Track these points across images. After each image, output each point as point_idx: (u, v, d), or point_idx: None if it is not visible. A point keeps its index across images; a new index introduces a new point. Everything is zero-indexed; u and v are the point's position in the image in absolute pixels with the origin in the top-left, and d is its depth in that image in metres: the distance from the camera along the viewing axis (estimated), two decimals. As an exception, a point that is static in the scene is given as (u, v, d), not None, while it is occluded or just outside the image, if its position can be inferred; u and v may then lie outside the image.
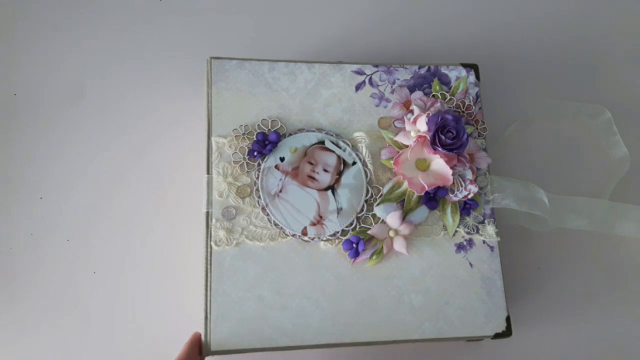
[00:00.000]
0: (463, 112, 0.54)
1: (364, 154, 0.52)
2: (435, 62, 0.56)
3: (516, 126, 0.62)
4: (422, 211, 0.51)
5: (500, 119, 0.62)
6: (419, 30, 0.67)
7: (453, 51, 0.65)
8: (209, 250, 0.48)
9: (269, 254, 0.48)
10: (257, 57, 0.54)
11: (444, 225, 0.51)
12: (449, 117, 0.50)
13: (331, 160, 0.51)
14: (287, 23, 0.65)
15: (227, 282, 0.47)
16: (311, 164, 0.51)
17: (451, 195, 0.51)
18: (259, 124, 0.51)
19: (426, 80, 0.55)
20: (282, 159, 0.51)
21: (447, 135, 0.50)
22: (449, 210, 0.51)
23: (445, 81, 0.55)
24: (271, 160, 0.50)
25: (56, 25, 0.62)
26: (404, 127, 0.53)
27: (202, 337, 0.46)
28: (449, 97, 0.55)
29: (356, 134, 0.52)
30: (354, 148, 0.52)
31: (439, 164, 0.50)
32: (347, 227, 0.50)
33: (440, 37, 0.67)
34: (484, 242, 0.52)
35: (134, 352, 0.53)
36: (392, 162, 0.51)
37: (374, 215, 0.50)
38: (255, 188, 0.50)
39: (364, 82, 0.54)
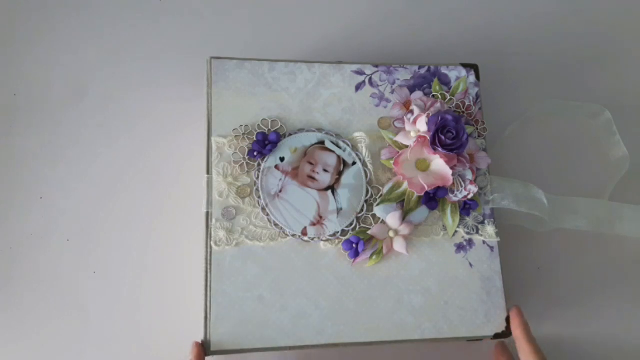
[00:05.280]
0: (463, 112, 0.54)
1: (364, 154, 0.52)
2: (435, 62, 0.56)
3: (516, 126, 0.62)
4: (422, 211, 0.51)
5: (500, 119, 0.62)
6: (419, 30, 0.67)
7: (453, 51, 0.65)
8: (209, 250, 0.48)
9: (269, 254, 0.48)
10: (257, 57, 0.54)
11: (443, 226, 0.51)
12: (449, 117, 0.50)
13: (331, 160, 0.51)
14: (287, 23, 0.65)
15: (227, 282, 0.47)
16: (311, 164, 0.51)
17: (451, 195, 0.51)
18: (259, 124, 0.51)
19: (426, 81, 0.55)
20: (282, 159, 0.51)
21: (447, 135, 0.50)
22: (448, 211, 0.51)
23: (445, 81, 0.55)
24: (271, 160, 0.50)
25: (56, 25, 0.62)
26: (404, 127, 0.53)
27: (202, 337, 0.46)
28: (449, 98, 0.55)
29: (356, 134, 0.52)
30: (354, 148, 0.52)
31: (439, 164, 0.50)
32: (347, 227, 0.50)
33: (440, 37, 0.67)
34: (483, 242, 0.52)
35: (133, 352, 0.53)
36: (392, 162, 0.51)
37: (373, 216, 0.50)
38: (255, 188, 0.50)
39: (364, 82, 0.54)
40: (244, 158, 0.50)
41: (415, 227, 0.51)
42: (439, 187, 0.51)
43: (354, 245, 0.49)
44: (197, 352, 0.45)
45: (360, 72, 0.54)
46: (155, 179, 0.58)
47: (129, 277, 0.55)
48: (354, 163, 0.51)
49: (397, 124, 0.53)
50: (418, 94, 0.54)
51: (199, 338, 0.46)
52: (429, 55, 0.65)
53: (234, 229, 0.48)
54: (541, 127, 0.64)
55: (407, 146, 0.52)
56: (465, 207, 0.52)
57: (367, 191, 0.51)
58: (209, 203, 0.49)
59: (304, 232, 0.49)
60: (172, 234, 0.56)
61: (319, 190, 0.50)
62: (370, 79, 0.54)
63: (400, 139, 0.52)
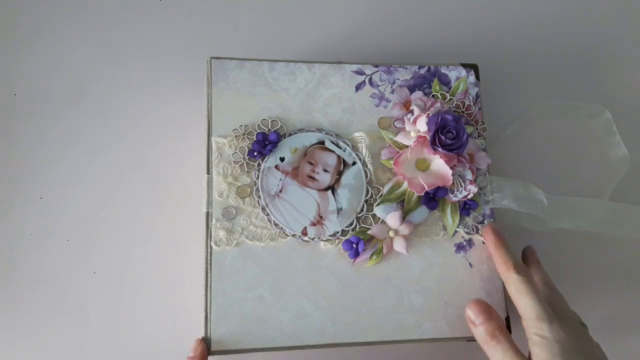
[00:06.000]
0: (463, 112, 0.54)
1: (364, 154, 0.52)
2: (435, 62, 0.56)
3: (516, 126, 0.62)
4: (422, 211, 0.51)
5: (500, 119, 0.62)
6: (419, 30, 0.67)
7: (453, 51, 0.65)
8: (209, 250, 0.48)
9: (269, 254, 0.48)
10: (257, 57, 0.54)
11: (443, 226, 0.51)
12: (449, 117, 0.50)
13: (331, 160, 0.51)
14: (287, 23, 0.65)
15: (227, 282, 0.47)
16: (311, 164, 0.51)
17: (451, 195, 0.51)
18: (259, 124, 0.51)
19: (426, 81, 0.55)
20: (282, 159, 0.51)
21: (447, 135, 0.50)
22: (448, 211, 0.51)
23: (445, 81, 0.55)
24: (271, 160, 0.50)
25: (56, 25, 0.62)
26: (404, 127, 0.53)
27: (202, 337, 0.46)
28: (448, 97, 0.55)
29: (356, 134, 0.52)
30: (354, 148, 0.52)
31: (439, 164, 0.50)
32: (347, 227, 0.50)
33: (440, 37, 0.67)
34: (483, 242, 0.52)
35: (133, 352, 0.53)
36: (392, 162, 0.51)
37: (373, 216, 0.51)
38: (255, 188, 0.50)
39: (364, 82, 0.54)
40: (244, 158, 0.50)
41: (415, 227, 0.51)
42: (438, 187, 0.51)
43: (354, 245, 0.49)
44: (202, 349, 0.45)
45: (360, 72, 0.54)
46: (155, 178, 0.58)
47: (129, 277, 0.55)
48: (354, 163, 0.51)
49: (397, 124, 0.53)
50: (418, 94, 0.54)
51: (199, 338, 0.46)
52: (429, 55, 0.65)
53: (234, 229, 0.48)
54: (541, 127, 0.64)
55: (407, 146, 0.52)
56: (465, 207, 0.52)
57: (367, 191, 0.51)
58: (209, 203, 0.49)
59: (304, 232, 0.49)
60: (172, 234, 0.56)
61: (319, 190, 0.50)
62: (370, 79, 0.54)
63: (400, 139, 0.52)
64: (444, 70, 0.56)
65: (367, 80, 0.54)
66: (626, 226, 0.57)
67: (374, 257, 0.49)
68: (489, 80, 0.61)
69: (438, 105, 0.53)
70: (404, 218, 0.51)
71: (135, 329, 0.54)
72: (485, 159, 0.53)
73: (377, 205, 0.51)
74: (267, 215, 0.49)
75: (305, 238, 0.49)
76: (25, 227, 0.56)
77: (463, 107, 0.55)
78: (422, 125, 0.51)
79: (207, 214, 0.49)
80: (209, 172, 0.50)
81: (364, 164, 0.52)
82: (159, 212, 0.57)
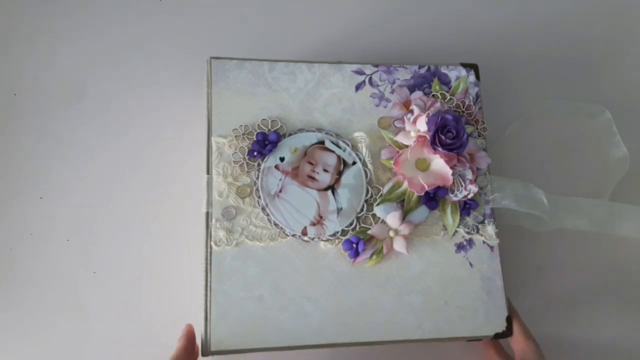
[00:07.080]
0: (463, 112, 0.54)
1: (364, 154, 0.52)
2: (435, 62, 0.56)
3: (516, 126, 0.62)
4: (422, 211, 0.51)
5: (500, 119, 0.62)
6: (419, 30, 0.67)
7: (453, 51, 0.65)
8: (209, 250, 0.48)
9: (269, 254, 0.48)
10: (257, 57, 0.54)
11: (443, 225, 0.51)
12: (449, 117, 0.50)
13: (331, 160, 0.51)
14: (287, 23, 0.65)
15: (227, 282, 0.47)
16: (311, 164, 0.51)
17: (451, 195, 0.51)
18: (259, 124, 0.51)
19: (426, 80, 0.55)
20: (282, 159, 0.51)
21: (447, 135, 0.50)
22: (448, 210, 0.51)
23: (445, 81, 0.55)
24: (271, 160, 0.50)
25: (56, 25, 0.62)
26: (404, 127, 0.53)
27: (202, 337, 0.46)
28: (449, 97, 0.55)
29: (356, 134, 0.52)
30: (354, 148, 0.52)
31: (439, 164, 0.50)
32: (347, 227, 0.50)
33: (440, 37, 0.67)
34: (483, 242, 0.52)
35: (133, 352, 0.53)
36: (392, 162, 0.51)
37: (374, 215, 0.50)
38: (255, 188, 0.50)
39: (364, 82, 0.54)
40: (244, 158, 0.50)
41: (415, 226, 0.51)
42: (439, 187, 0.51)
43: (354, 245, 0.49)
44: (188, 330, 0.47)
45: (360, 72, 0.54)
46: (155, 178, 0.58)
47: (129, 277, 0.55)
48: (354, 163, 0.51)
49: (397, 124, 0.53)
50: (418, 93, 0.54)
51: (199, 338, 0.46)
52: (429, 55, 0.65)
53: (234, 229, 0.48)
54: (541, 127, 0.64)
55: (407, 146, 0.52)
56: (466, 207, 0.52)
57: (367, 191, 0.51)
58: (209, 203, 0.49)
59: (304, 232, 0.49)
60: (172, 234, 0.56)
61: (319, 190, 0.50)
62: (370, 79, 0.54)
63: (400, 138, 0.52)
64: (444, 70, 0.56)
65: (367, 80, 0.54)
66: (626, 226, 0.57)
67: (374, 257, 0.49)
68: (489, 80, 0.61)
69: (438, 105, 0.53)
70: (404, 218, 0.51)
71: (135, 328, 0.54)
72: (486, 159, 0.53)
73: (377, 205, 0.51)
74: (267, 215, 0.49)
75: (305, 238, 0.49)
76: (25, 227, 0.56)
77: (463, 107, 0.55)
78: (422, 125, 0.51)
79: (207, 214, 0.49)
80: (209, 172, 0.50)
81: (364, 164, 0.52)
82: (159, 212, 0.57)
